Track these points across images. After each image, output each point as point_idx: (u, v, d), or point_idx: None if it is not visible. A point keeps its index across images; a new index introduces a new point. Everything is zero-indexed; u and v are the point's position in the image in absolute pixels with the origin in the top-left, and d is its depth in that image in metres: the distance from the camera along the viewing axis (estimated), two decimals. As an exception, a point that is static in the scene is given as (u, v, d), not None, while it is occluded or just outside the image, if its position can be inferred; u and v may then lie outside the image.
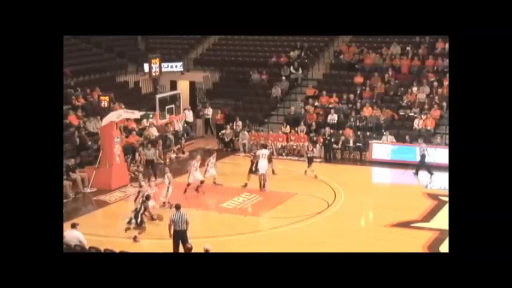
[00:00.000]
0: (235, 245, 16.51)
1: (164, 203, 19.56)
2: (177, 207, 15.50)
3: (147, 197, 17.60)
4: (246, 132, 27.56)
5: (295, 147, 26.51)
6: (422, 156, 23.49)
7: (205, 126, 30.64)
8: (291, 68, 31.57)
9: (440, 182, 22.17)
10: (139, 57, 33.51)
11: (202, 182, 21.15)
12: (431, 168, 23.30)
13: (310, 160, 23.21)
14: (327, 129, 26.20)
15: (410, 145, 24.88)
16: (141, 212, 17.17)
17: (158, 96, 24.60)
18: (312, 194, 21.12)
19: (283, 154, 26.46)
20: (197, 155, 23.85)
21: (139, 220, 17.04)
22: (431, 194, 20.98)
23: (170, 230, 15.34)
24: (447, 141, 23.73)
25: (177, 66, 32.91)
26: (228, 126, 27.96)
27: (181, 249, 14.92)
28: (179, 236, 15.17)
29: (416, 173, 23.58)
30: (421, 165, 23.54)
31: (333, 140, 25.82)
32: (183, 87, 33.38)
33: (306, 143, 23.48)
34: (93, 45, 33.97)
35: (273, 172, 23.21)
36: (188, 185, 21.01)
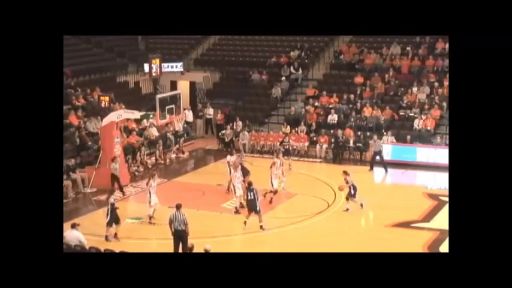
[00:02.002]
0: (235, 245, 16.51)
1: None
2: (177, 207, 15.51)
3: (249, 184, 18.22)
4: (246, 133, 27.56)
5: (295, 147, 26.51)
6: (379, 153, 24.11)
7: (206, 126, 30.63)
8: (291, 68, 31.56)
9: (440, 182, 22.18)
10: (140, 57, 33.51)
11: (275, 192, 20.10)
12: (386, 165, 24.06)
13: (354, 191, 19.55)
14: (339, 131, 26.02)
15: (410, 145, 24.91)
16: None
17: (158, 96, 24.63)
18: (312, 194, 21.12)
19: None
20: (276, 159, 20.88)
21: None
22: (431, 194, 20.97)
23: (171, 228, 15.43)
24: (447, 141, 23.73)
25: (177, 67, 32.92)
26: (228, 127, 27.94)
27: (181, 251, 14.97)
28: (177, 235, 15.28)
29: (371, 169, 24.22)
30: (374, 161, 24.31)
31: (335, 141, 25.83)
32: (183, 87, 33.38)
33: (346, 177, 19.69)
34: (93, 45, 33.98)
35: (289, 167, 23.65)
36: (275, 193, 20.11)
